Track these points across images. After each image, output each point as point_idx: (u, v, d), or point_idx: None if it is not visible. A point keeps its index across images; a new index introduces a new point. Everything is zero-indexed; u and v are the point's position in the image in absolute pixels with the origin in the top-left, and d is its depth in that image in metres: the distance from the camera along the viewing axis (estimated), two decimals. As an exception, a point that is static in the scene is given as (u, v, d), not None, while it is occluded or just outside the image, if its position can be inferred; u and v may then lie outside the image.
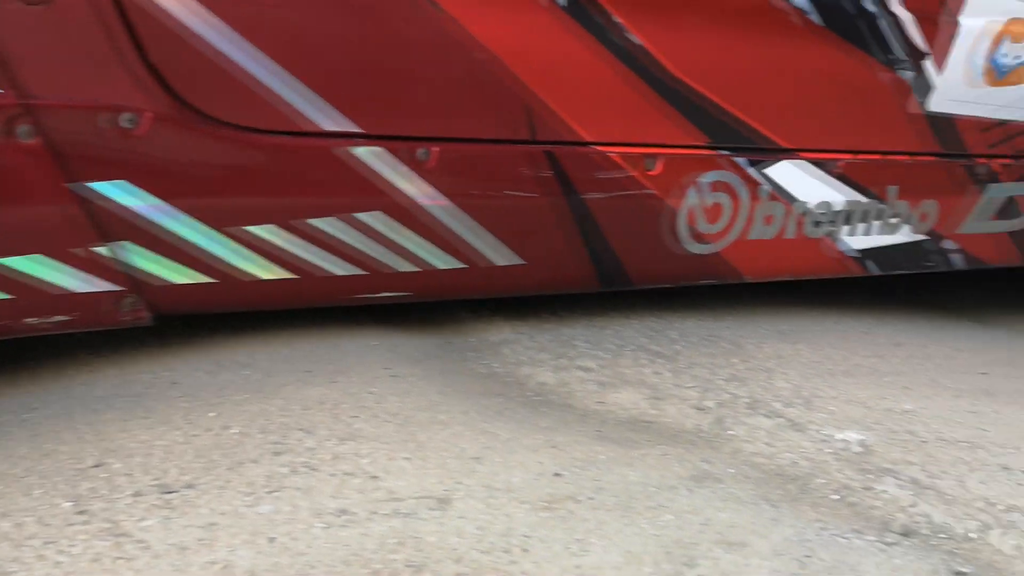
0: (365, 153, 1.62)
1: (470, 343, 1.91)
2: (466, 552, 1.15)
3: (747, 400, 1.74)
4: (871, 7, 2.03)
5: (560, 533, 1.20)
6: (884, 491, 1.45)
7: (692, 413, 1.67)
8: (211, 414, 1.43)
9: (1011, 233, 2.48)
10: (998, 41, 2.19)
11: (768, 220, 2.10)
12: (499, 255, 1.82)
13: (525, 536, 1.19)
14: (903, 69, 2.12)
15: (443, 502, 1.25)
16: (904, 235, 2.31)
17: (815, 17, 1.97)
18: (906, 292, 2.90)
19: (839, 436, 1.62)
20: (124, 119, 1.41)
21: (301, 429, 1.41)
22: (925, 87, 2.16)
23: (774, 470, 1.49)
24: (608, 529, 1.22)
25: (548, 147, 1.79)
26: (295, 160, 1.58)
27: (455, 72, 1.67)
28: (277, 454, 1.33)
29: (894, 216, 2.26)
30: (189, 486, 1.23)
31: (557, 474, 1.35)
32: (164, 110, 1.44)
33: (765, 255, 2.14)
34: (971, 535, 1.35)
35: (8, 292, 1.41)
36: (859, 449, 1.58)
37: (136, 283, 1.50)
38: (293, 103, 1.54)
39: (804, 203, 2.12)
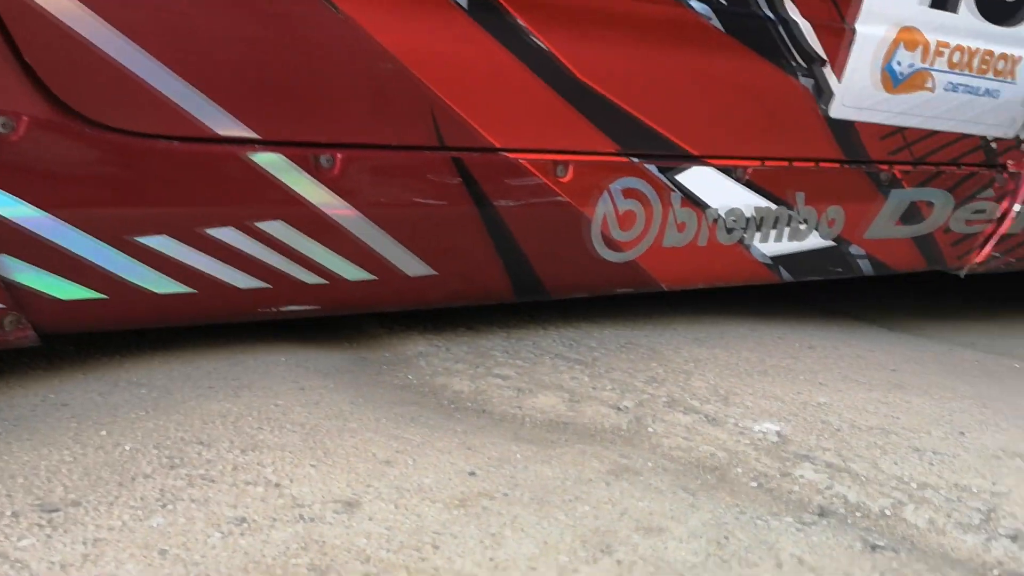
0: (263, 160, 1.53)
1: (384, 357, 1.86)
2: (374, 552, 1.09)
3: (665, 399, 1.72)
4: (771, 15, 2.05)
5: (473, 529, 1.16)
6: (801, 476, 1.43)
7: (610, 413, 1.64)
8: (102, 432, 1.36)
9: (915, 238, 2.51)
10: (892, 49, 2.21)
11: (681, 227, 2.08)
12: (409, 266, 1.76)
13: (436, 533, 1.14)
14: (804, 76, 2.12)
15: (350, 505, 1.20)
16: (813, 241, 2.31)
17: (719, 25, 1.96)
18: (819, 302, 2.93)
19: (756, 428, 1.61)
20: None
21: (200, 443, 1.34)
22: (825, 94, 2.16)
23: (692, 462, 1.47)
24: (523, 522, 1.18)
25: (456, 153, 1.72)
26: (187, 167, 1.49)
27: (357, 77, 1.61)
28: (172, 468, 1.26)
29: (802, 222, 2.26)
30: (74, 504, 1.16)
31: (471, 473, 1.31)
32: (42, 114, 1.35)
33: (680, 263, 2.13)
34: (886, 512, 1.34)
35: None
36: (776, 439, 1.57)
37: (18, 300, 1.41)
38: (183, 107, 1.46)
39: (715, 210, 2.11)
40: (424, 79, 1.66)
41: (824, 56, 2.12)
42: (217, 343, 1.76)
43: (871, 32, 2.19)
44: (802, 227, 2.27)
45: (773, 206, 2.20)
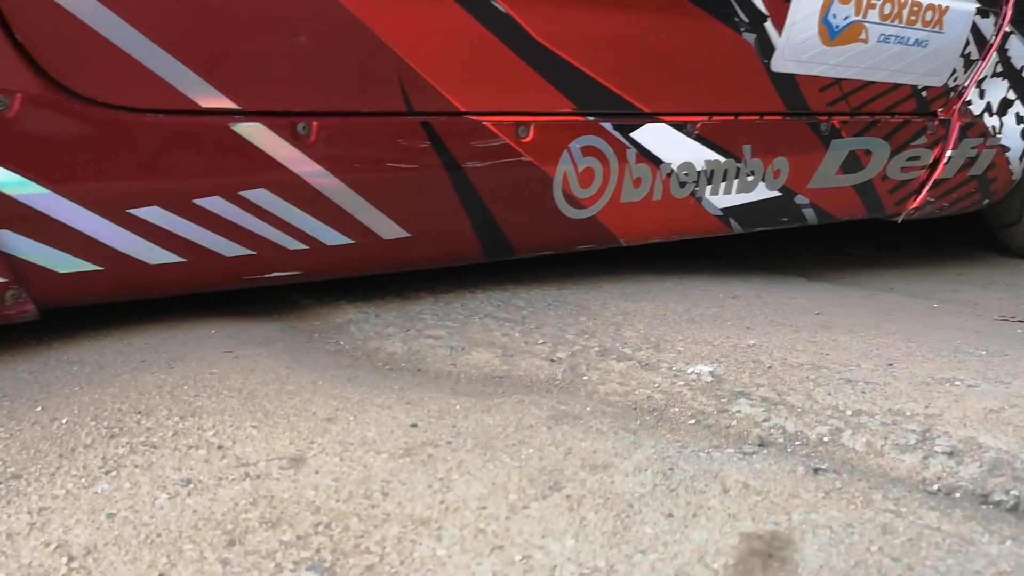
0: (245, 129, 1.59)
1: (315, 326, 1.85)
2: (324, 503, 1.09)
3: (598, 349, 1.74)
4: None
5: (421, 475, 1.16)
6: (738, 411, 1.47)
7: (545, 365, 1.65)
8: (37, 409, 1.33)
9: (855, 187, 2.60)
10: (829, 3, 2.27)
11: (637, 183, 2.15)
12: (385, 229, 1.82)
13: (385, 481, 1.15)
14: (747, 32, 2.18)
15: (296, 461, 1.19)
16: (761, 192, 2.39)
17: None
18: (739, 258, 2.99)
19: (690, 370, 1.64)
20: None
21: (138, 412, 1.32)
22: (767, 49, 2.23)
23: (630, 405, 1.49)
24: (469, 466, 1.19)
25: (424, 118, 1.79)
26: (175, 139, 1.54)
27: (329, 46, 1.65)
28: (112, 437, 1.24)
29: (750, 174, 2.34)
30: (15, 476, 1.14)
31: (413, 425, 1.31)
32: (36, 91, 1.39)
33: (637, 217, 2.20)
34: (824, 439, 1.38)
35: None
36: (710, 379, 1.60)
37: (19, 274, 1.46)
38: (169, 81, 1.50)
39: (668, 165, 2.18)
40: (392, 46, 1.71)
41: (766, 11, 2.19)
42: (148, 320, 1.73)
43: None
44: (750, 179, 2.35)
45: (722, 159, 2.27)
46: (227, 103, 1.56)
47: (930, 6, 2.44)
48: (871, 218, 2.75)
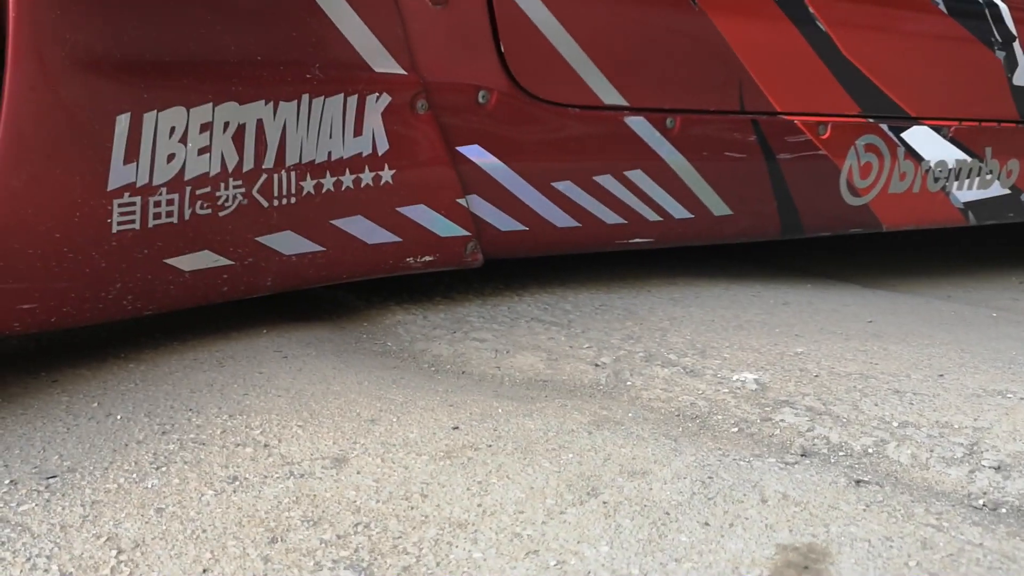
0: (633, 122, 2.01)
1: (363, 327, 1.88)
2: (364, 503, 1.12)
3: (643, 355, 1.75)
4: None
5: (460, 478, 1.18)
6: (781, 420, 1.46)
7: (589, 370, 1.66)
8: (93, 404, 1.37)
9: None
10: None
11: (903, 177, 2.51)
12: (716, 207, 2.21)
13: (424, 483, 1.17)
14: (999, 50, 2.55)
15: (339, 461, 1.22)
16: (995, 189, 2.74)
17: (943, 7, 2.43)
18: (791, 263, 2.97)
19: (735, 377, 1.64)
20: (481, 95, 1.80)
21: (189, 410, 1.36)
22: (1012, 65, 2.58)
23: (673, 412, 1.50)
24: (509, 470, 1.21)
25: (753, 116, 2.20)
26: (588, 128, 1.96)
27: (696, 55, 2.08)
28: (163, 433, 1.28)
29: (989, 173, 2.69)
30: (71, 470, 1.18)
31: (455, 427, 1.33)
32: (505, 89, 1.83)
33: (899, 207, 2.55)
34: (868, 450, 1.38)
35: (400, 235, 1.75)
36: (755, 387, 1.60)
37: (478, 230, 1.86)
38: (588, 83, 1.93)
39: (928, 162, 2.53)
40: (741, 57, 2.13)
41: (1015, 32, 2.54)
42: (200, 319, 1.77)
43: None
44: (988, 177, 2.69)
45: (968, 159, 2.61)
46: (622, 101, 1.98)
47: None
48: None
